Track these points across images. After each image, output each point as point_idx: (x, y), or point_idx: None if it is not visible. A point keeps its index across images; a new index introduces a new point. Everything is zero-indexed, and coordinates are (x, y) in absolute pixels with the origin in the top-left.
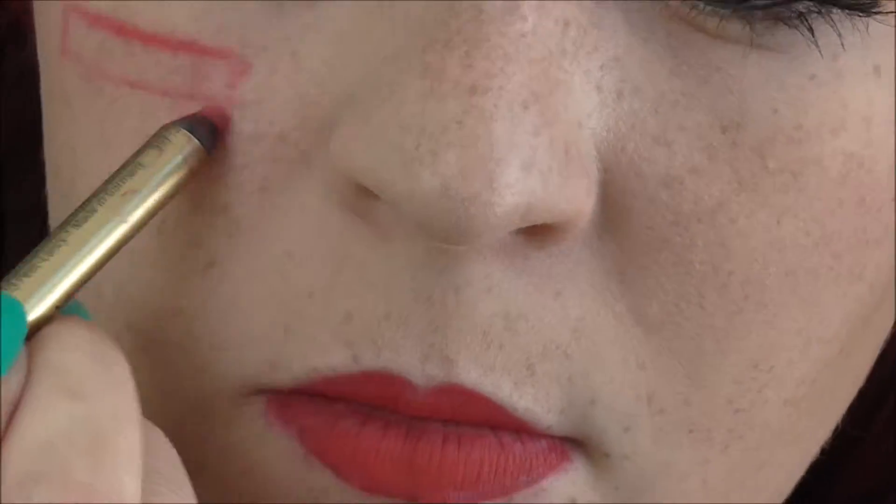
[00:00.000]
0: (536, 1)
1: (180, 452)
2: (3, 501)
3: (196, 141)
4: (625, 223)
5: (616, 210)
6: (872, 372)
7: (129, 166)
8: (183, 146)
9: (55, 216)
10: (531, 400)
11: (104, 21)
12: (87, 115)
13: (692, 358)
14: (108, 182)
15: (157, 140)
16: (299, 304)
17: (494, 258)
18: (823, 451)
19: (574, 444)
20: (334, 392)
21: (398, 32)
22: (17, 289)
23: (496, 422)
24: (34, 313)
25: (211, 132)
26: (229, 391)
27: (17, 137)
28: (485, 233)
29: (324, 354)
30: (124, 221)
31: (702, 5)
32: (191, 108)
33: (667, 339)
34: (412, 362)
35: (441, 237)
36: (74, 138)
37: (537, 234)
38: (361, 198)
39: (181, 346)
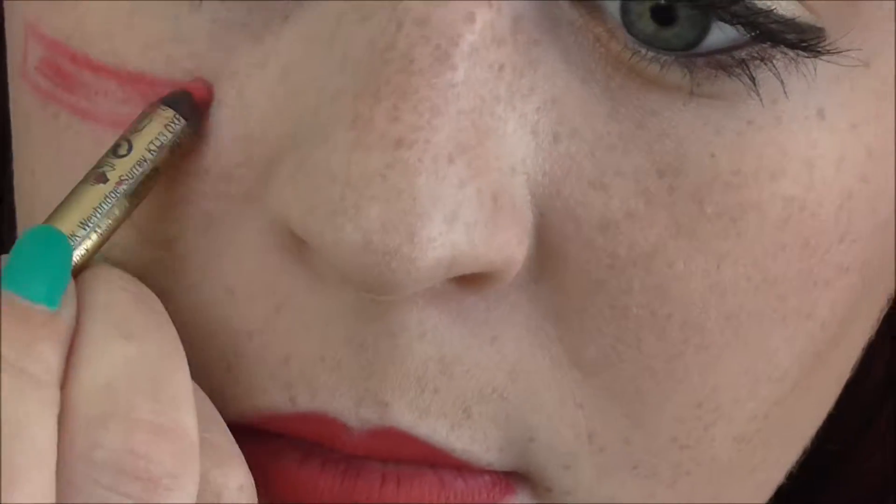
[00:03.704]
0: (469, 49)
1: None
2: (73, 447)
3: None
4: (561, 267)
5: (552, 254)
6: (860, 388)
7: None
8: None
9: (20, 232)
10: (468, 441)
11: (59, 48)
12: (43, 140)
13: (631, 399)
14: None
15: (162, 128)
16: (240, 343)
17: (428, 304)
18: (810, 469)
19: (518, 477)
20: (275, 429)
21: (337, 74)
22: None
23: (435, 461)
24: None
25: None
26: None
27: None
28: (408, 286)
29: (263, 394)
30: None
31: (643, 51)
32: None
33: (605, 381)
34: (347, 405)
35: (365, 289)
36: (33, 162)
37: (470, 281)
38: (297, 241)
39: None
